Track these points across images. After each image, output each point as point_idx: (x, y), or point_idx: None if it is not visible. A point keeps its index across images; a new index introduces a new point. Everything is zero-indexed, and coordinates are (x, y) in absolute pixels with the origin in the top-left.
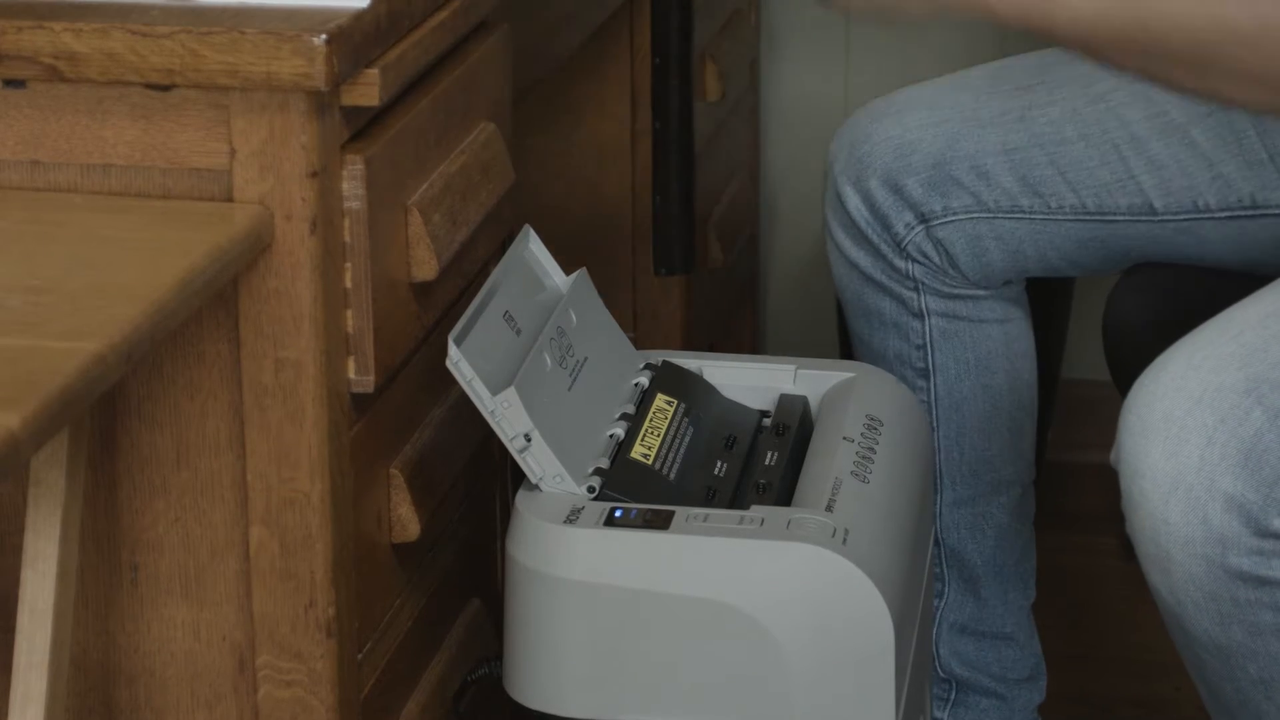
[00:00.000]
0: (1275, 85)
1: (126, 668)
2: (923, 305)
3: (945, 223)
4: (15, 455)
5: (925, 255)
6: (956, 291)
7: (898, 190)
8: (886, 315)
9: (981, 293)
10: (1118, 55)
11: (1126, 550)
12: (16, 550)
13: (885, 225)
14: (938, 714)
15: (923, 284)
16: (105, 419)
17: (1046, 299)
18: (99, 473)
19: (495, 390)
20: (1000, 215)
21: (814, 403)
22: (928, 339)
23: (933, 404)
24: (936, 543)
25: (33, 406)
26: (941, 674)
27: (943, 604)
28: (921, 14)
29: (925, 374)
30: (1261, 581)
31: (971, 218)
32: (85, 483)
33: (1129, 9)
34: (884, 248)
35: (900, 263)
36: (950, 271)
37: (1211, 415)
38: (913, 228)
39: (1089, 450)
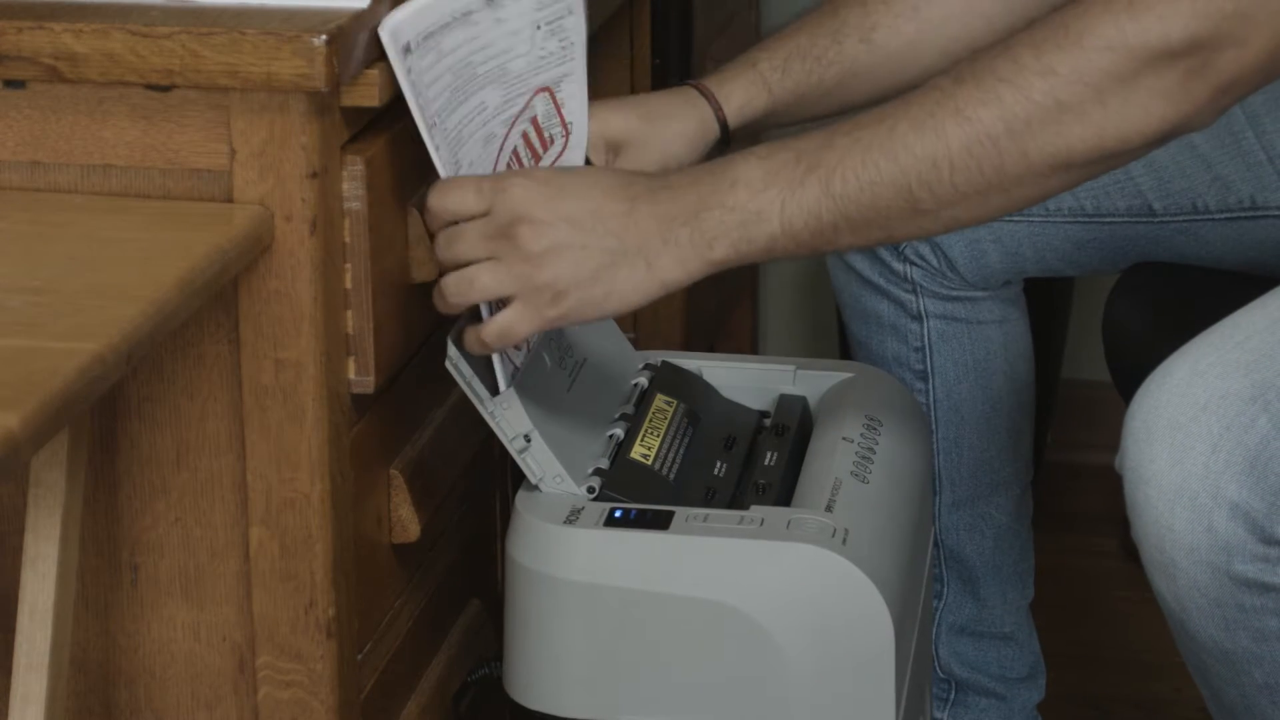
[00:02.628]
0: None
1: (126, 668)
2: (921, 308)
3: None
4: (15, 456)
5: (923, 258)
6: (954, 293)
7: None
8: (885, 318)
9: (979, 294)
10: (855, 237)
11: (1126, 551)
12: (16, 551)
13: None
14: (938, 714)
15: (920, 286)
16: (105, 419)
17: (1046, 299)
18: (99, 473)
19: (494, 391)
20: None
21: (814, 403)
22: (926, 341)
23: (931, 406)
24: (935, 543)
25: (33, 407)
26: (941, 674)
27: (942, 604)
28: (638, 299)
29: (924, 376)
30: (1267, 588)
31: None
32: (85, 483)
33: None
34: (881, 251)
35: (898, 265)
36: (948, 273)
37: (1217, 422)
38: None
39: (1089, 450)
